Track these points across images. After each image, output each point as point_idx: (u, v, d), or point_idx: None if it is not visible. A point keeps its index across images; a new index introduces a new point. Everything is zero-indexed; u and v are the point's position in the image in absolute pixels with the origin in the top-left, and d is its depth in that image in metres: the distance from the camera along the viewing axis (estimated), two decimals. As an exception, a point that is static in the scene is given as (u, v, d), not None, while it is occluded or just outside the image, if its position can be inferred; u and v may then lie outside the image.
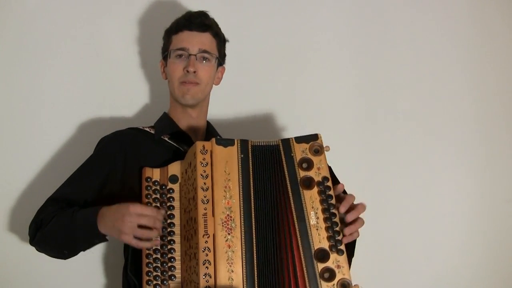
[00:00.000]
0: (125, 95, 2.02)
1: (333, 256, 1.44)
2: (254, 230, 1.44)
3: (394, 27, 2.21)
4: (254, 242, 1.43)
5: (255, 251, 1.43)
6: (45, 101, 1.98)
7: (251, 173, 1.48)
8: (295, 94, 2.13)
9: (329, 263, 1.43)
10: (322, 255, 1.44)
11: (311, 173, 1.50)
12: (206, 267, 1.40)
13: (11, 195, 1.92)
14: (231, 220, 1.44)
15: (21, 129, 1.95)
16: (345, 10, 2.19)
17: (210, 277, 1.40)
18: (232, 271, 1.40)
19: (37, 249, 1.60)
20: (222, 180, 1.46)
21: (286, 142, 1.52)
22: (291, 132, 2.05)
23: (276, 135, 2.06)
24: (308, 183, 1.49)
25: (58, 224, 1.52)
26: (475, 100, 2.21)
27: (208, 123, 1.82)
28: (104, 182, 1.62)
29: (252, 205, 1.46)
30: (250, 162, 1.49)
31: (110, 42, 2.04)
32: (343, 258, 1.44)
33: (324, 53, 2.16)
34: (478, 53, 2.24)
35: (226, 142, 1.50)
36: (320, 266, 1.43)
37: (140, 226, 1.42)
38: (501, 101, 2.22)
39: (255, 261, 1.42)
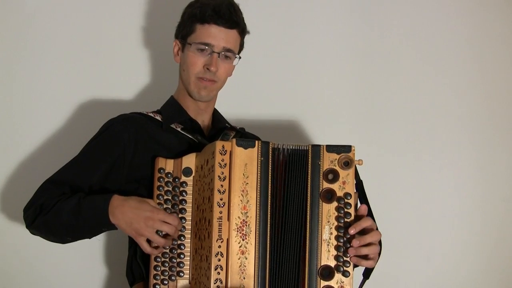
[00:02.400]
0: (124, 76, 1.96)
1: (338, 275, 1.42)
2: (269, 237, 1.41)
3: (395, 27, 2.16)
4: (268, 249, 1.41)
5: (268, 259, 1.40)
6: (43, 83, 1.91)
7: (269, 178, 1.43)
8: (295, 94, 2.09)
9: (332, 283, 1.41)
10: (327, 273, 1.41)
11: (335, 186, 1.44)
12: (218, 272, 1.38)
13: (8, 182, 1.87)
14: (246, 225, 1.41)
15: (18, 113, 1.89)
16: (346, 9, 2.14)
17: (222, 283, 1.38)
18: (244, 278, 1.39)
19: (33, 233, 1.54)
20: (240, 183, 1.41)
21: (316, 148, 1.45)
22: (292, 131, 2.03)
23: (277, 135, 2.00)
24: (330, 196, 1.44)
25: (63, 211, 1.45)
26: (474, 100, 2.18)
27: (214, 109, 1.75)
28: (111, 167, 1.55)
29: (269, 211, 1.42)
30: (270, 166, 1.43)
31: (109, 22, 1.96)
32: (348, 280, 1.42)
33: (325, 51, 2.12)
34: (477, 51, 2.19)
35: (247, 144, 1.43)
36: (323, 283, 1.41)
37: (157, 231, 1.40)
38: (500, 100, 2.20)
39: (267, 268, 1.40)
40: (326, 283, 1.41)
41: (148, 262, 1.48)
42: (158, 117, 1.64)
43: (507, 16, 2.20)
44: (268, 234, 1.41)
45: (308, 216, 1.43)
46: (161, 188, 1.49)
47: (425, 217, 2.10)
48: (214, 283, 1.37)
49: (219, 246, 1.39)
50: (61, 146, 1.89)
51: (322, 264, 1.42)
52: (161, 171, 1.50)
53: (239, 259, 1.39)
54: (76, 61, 1.94)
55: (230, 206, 1.40)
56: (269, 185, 1.42)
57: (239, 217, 1.40)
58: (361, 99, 2.13)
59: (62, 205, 1.46)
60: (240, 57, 1.65)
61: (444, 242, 2.11)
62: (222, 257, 1.38)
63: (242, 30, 1.62)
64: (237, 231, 1.40)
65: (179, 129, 1.62)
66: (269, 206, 1.42)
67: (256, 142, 1.44)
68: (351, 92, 2.13)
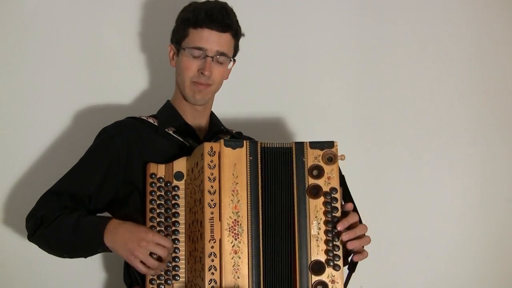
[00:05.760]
0: (122, 81, 1.97)
1: (328, 270, 1.42)
2: (261, 236, 1.41)
3: (395, 27, 2.17)
4: (261, 248, 1.41)
5: (261, 257, 1.41)
6: (40, 90, 1.93)
7: (259, 177, 1.44)
8: (295, 93, 2.10)
9: (323, 277, 1.41)
10: (318, 268, 1.41)
11: (320, 182, 1.45)
12: (212, 272, 1.39)
13: (7, 188, 1.89)
14: (238, 225, 1.41)
15: (17, 120, 1.91)
16: (346, 9, 2.15)
17: (216, 283, 1.38)
18: (238, 277, 1.39)
19: (35, 244, 1.56)
20: (230, 183, 1.42)
21: (300, 145, 1.47)
22: (293, 131, 2.03)
23: (277, 135, 2.04)
24: (316, 191, 1.45)
25: (61, 228, 1.47)
26: (475, 99, 2.18)
27: (211, 113, 1.76)
28: (105, 175, 1.57)
29: (260, 209, 1.42)
30: (259, 165, 1.44)
31: (106, 28, 1.98)
32: (338, 274, 1.42)
33: (325, 51, 2.12)
34: (478, 51, 2.19)
35: (235, 144, 1.44)
36: (314, 278, 1.41)
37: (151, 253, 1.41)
38: (501, 100, 2.20)
39: (261, 267, 1.40)
40: (318, 278, 1.41)
41: (142, 268, 1.49)
42: (154, 121, 1.66)
43: (508, 17, 2.21)
44: (261, 233, 1.41)
45: (295, 213, 1.43)
46: (153, 193, 1.51)
47: (425, 217, 2.09)
48: (209, 284, 1.38)
49: (212, 247, 1.39)
50: (60, 150, 1.91)
51: (312, 259, 1.42)
52: (153, 176, 1.51)
53: (232, 258, 1.39)
54: (73, 67, 1.95)
55: (221, 207, 1.40)
56: (259, 184, 1.43)
57: (230, 217, 1.41)
58: (363, 99, 2.13)
59: (62, 221, 1.49)
60: (234, 60, 1.66)
61: (444, 242, 2.09)
62: (216, 257, 1.39)
63: (236, 33, 1.63)
64: (229, 230, 1.40)
65: (171, 133, 1.64)
66: (260, 204, 1.43)
67: (244, 142, 1.45)
68: (353, 92, 2.13)
